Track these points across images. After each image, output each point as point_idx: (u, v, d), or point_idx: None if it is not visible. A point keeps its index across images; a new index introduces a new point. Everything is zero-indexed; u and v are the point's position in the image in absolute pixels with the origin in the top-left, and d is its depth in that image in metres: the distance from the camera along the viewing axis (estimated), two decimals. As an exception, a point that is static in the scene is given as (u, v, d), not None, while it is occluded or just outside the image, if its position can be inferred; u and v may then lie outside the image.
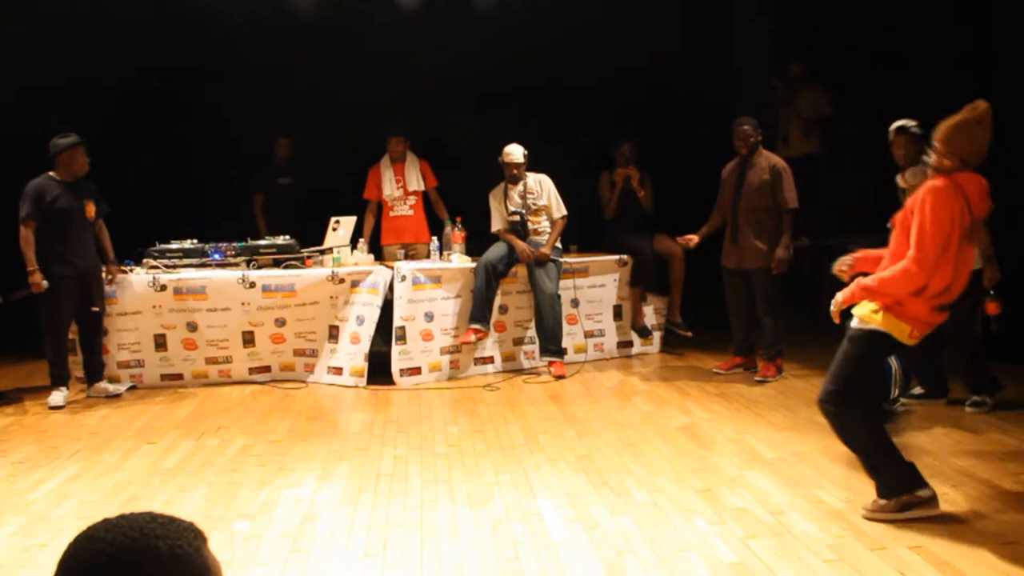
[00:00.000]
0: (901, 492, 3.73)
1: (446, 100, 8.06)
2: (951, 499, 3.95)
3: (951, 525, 3.65)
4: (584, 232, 7.67)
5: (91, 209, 6.23)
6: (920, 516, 3.70)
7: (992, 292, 5.21)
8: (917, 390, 5.66)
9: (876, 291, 3.67)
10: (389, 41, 8.12)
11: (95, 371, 6.37)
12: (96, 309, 6.24)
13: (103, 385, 6.35)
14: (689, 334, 7.47)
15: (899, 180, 5.50)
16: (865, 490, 4.06)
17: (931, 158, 3.73)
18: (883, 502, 3.76)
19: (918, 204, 3.62)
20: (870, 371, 3.86)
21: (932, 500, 3.75)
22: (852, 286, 3.74)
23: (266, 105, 7.99)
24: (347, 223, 7.18)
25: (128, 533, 1.23)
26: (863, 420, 3.77)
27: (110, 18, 7.50)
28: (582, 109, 8.19)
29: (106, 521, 1.26)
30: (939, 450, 4.68)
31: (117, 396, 6.32)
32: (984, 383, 5.47)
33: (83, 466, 4.75)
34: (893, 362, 5.83)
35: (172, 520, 1.28)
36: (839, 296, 3.77)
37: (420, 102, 7.85)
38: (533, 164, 7.18)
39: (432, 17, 8.25)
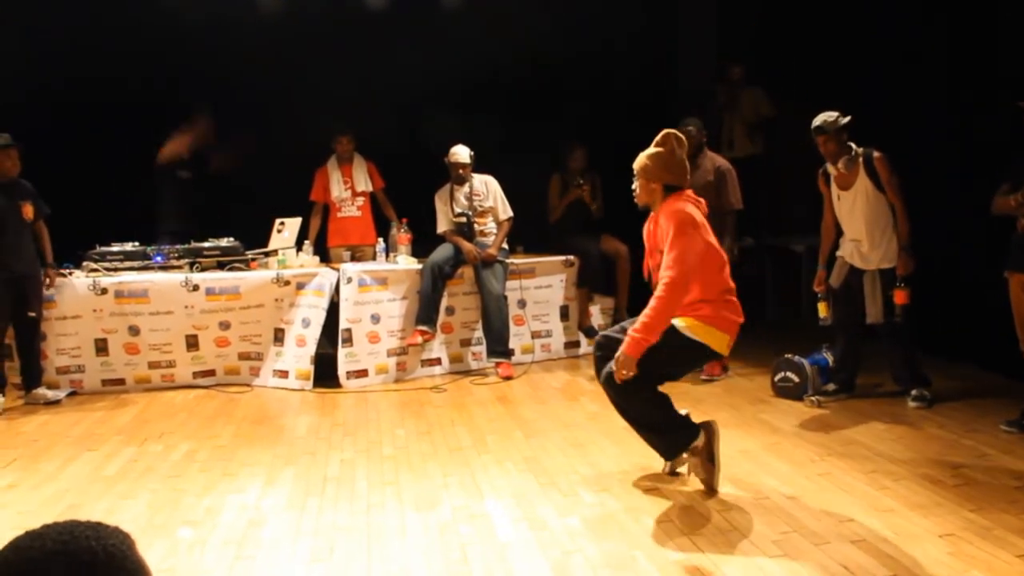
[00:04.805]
0: (680, 451, 4.22)
1: (392, 101, 8.00)
2: (892, 493, 4.02)
3: (892, 519, 3.72)
4: (530, 233, 7.67)
5: (28, 210, 6.08)
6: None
7: (902, 283, 5.33)
8: (830, 387, 5.79)
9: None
10: (338, 42, 8.06)
11: (33, 377, 6.22)
12: (33, 314, 6.09)
13: (41, 391, 6.20)
14: None
15: (831, 169, 5.59)
16: (808, 487, 4.13)
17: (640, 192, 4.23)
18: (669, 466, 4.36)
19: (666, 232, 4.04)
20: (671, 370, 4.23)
21: (707, 442, 4.15)
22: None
23: (213, 105, 7.83)
24: (292, 225, 7.11)
25: (58, 539, 1.21)
26: (650, 391, 4.12)
27: (42, 19, 7.36)
28: (528, 110, 8.19)
29: (29, 533, 1.23)
30: (879, 445, 4.77)
31: (56, 402, 6.17)
32: (922, 377, 5.59)
33: (20, 475, 4.64)
34: (828, 355, 5.99)
35: (98, 524, 1.27)
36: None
37: (366, 103, 7.79)
38: (479, 165, 7.18)
39: (376, 19, 8.21)
